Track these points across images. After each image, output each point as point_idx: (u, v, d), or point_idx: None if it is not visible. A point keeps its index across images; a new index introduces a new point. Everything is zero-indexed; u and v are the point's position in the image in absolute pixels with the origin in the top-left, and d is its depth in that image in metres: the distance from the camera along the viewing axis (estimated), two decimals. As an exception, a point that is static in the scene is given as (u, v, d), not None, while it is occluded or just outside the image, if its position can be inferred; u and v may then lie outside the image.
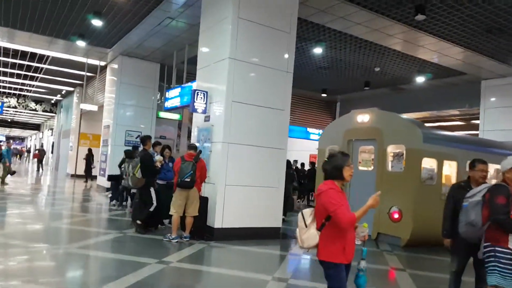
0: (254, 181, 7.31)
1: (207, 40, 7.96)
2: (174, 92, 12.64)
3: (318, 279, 4.84)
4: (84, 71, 16.67)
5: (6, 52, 15.35)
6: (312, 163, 15.11)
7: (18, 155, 42.76)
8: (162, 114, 15.22)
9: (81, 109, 19.45)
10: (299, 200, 14.95)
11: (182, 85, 12.27)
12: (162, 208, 7.04)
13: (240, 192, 7.13)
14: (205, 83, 7.83)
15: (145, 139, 7.29)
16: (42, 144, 38.38)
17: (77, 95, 21.55)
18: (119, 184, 10.32)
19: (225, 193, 6.96)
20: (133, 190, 9.25)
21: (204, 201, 6.81)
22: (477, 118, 13.52)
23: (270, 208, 7.46)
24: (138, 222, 6.96)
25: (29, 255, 5.32)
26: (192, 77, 12.36)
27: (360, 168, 8.62)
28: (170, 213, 6.41)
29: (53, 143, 28.87)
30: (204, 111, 7.57)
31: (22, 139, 68.33)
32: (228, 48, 7.07)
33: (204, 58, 8.02)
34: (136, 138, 14.53)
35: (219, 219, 6.90)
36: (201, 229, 6.79)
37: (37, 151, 29.03)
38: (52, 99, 26.92)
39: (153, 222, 7.35)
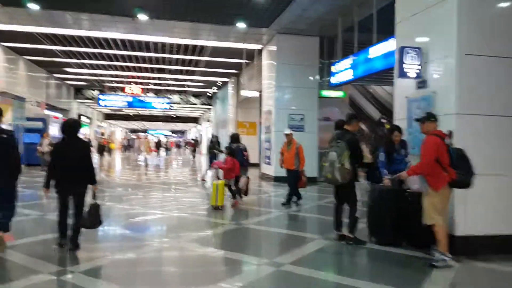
0: (509, 167, 5.06)
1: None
2: (344, 64, 10.89)
3: None
4: (239, 58, 16.34)
5: (171, 48, 15.85)
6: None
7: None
8: (325, 93, 13.70)
9: (239, 97, 19.49)
10: None
11: (355, 54, 10.42)
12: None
13: (489, 184, 4.95)
14: (414, 37, 5.83)
15: (351, 118, 5.54)
16: (196, 136, 43.02)
17: (232, 85, 21.73)
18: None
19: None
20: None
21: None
22: None
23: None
24: (349, 235, 5.35)
25: (237, 277, 4.28)
26: (362, 45, 10.49)
27: None
28: (430, 222, 4.41)
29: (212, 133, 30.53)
30: (419, 75, 5.60)
31: (182, 132, 76.38)
32: (457, -22, 4.93)
33: (410, 4, 6.00)
34: (300, 120, 13.45)
35: (462, 224, 4.90)
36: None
37: (192, 141, 35.14)
38: (208, 92, 28.15)
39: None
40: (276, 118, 13.39)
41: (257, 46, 14.53)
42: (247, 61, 15.17)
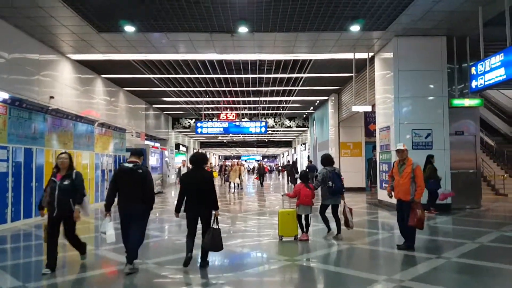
0: None
1: None
2: (491, 62, 8.58)
3: None
4: (343, 72, 14.66)
5: (268, 67, 14.75)
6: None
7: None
8: (457, 101, 11.26)
9: (340, 115, 17.88)
10: None
11: (508, 49, 8.08)
12: None
13: None
14: None
15: None
16: (288, 161, 42.02)
17: (332, 103, 19.98)
18: None
19: None
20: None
21: None
22: None
23: None
24: None
25: None
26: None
27: None
28: None
29: (308, 157, 28.79)
30: None
31: (274, 157, 75.96)
32: None
33: None
34: (427, 136, 11.19)
35: None
36: None
37: (283, 167, 35.17)
38: (304, 113, 26.69)
39: None
40: (396, 135, 11.32)
41: (365, 55, 12.68)
42: (355, 74, 13.34)
